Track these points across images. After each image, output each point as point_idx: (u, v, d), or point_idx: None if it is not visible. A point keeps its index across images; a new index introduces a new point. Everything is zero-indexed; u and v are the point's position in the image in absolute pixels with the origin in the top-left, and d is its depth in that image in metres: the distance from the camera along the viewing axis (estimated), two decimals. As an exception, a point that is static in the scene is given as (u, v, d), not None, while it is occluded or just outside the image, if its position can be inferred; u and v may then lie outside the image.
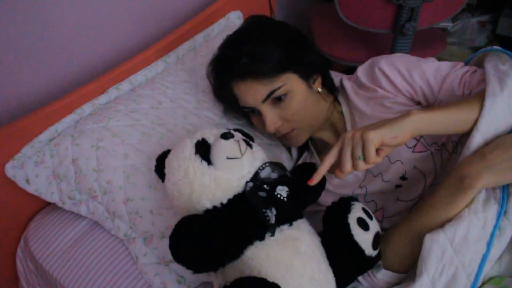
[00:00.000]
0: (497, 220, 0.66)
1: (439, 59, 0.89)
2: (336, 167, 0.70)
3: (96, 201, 0.91)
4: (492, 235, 0.66)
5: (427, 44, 1.55)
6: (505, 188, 0.68)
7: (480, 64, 0.84)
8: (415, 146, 0.83)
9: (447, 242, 0.65)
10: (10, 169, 0.92)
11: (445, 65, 0.85)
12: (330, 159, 0.69)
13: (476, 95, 0.73)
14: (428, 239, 0.66)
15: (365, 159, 0.65)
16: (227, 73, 0.87)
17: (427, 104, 0.87)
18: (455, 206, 0.68)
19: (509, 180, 0.67)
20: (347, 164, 0.66)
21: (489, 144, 0.69)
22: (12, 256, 1.05)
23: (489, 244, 0.65)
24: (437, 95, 0.84)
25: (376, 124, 0.68)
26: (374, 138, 0.65)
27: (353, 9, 1.37)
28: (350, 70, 1.10)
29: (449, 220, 0.68)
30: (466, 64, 0.89)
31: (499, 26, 1.92)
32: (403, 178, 0.84)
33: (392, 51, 1.44)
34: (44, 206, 1.07)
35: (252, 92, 0.85)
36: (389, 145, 0.66)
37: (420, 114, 0.68)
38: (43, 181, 0.93)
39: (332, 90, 0.98)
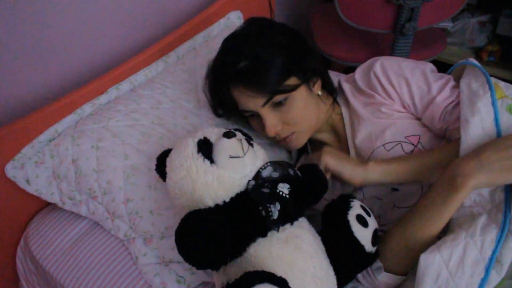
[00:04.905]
0: (497, 244, 0.64)
1: (439, 59, 0.88)
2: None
3: (96, 201, 0.91)
4: (491, 260, 0.63)
5: (427, 44, 1.55)
6: (507, 213, 0.66)
7: (461, 74, 0.84)
8: (412, 151, 0.84)
9: (443, 264, 0.64)
10: (10, 170, 0.92)
11: (434, 86, 0.84)
12: None
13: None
14: (423, 259, 0.65)
15: None
16: (226, 76, 0.86)
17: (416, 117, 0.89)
18: (448, 206, 0.67)
19: (501, 181, 0.66)
20: None
21: (482, 145, 0.70)
22: (12, 256, 1.05)
23: (488, 268, 0.63)
24: (421, 117, 0.87)
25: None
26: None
27: (353, 9, 1.37)
28: (350, 70, 1.10)
29: (443, 221, 0.68)
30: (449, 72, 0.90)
31: (499, 26, 1.92)
32: None
33: (392, 51, 1.44)
34: (44, 206, 1.06)
35: (253, 96, 0.84)
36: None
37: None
38: (43, 181, 0.93)
39: (332, 92, 0.98)
